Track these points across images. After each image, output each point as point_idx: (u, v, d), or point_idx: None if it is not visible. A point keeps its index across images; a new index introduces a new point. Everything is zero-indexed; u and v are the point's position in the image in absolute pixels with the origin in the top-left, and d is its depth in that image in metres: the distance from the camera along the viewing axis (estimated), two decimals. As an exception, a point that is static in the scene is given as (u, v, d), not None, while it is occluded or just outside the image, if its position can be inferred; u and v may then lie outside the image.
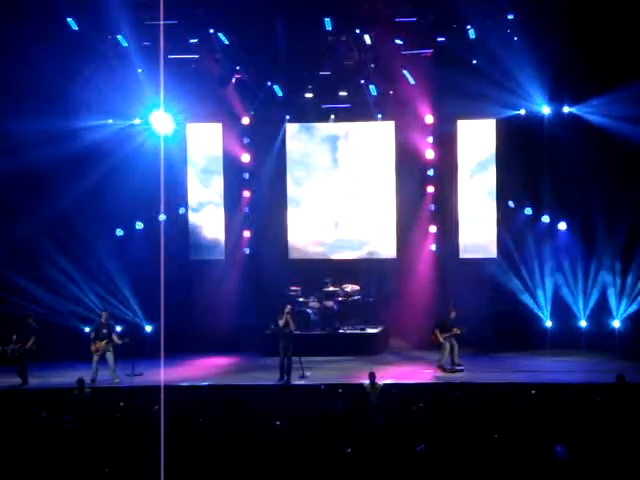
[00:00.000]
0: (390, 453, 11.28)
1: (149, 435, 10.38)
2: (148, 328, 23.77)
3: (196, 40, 23.34)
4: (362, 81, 24.35)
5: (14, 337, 20.68)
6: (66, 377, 20.10)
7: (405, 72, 23.65)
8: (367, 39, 22.99)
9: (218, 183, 25.62)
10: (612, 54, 21.75)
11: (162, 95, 21.77)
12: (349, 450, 11.45)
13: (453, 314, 21.47)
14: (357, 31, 22.99)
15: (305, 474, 10.89)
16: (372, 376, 17.67)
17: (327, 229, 25.59)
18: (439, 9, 22.41)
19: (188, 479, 10.57)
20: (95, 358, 20.73)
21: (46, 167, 22.99)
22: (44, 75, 21.79)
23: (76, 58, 22.71)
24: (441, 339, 21.30)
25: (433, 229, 24.97)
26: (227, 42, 23.32)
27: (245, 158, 25.58)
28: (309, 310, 24.29)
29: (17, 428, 13.26)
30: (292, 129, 25.69)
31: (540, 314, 23.73)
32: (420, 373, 21.18)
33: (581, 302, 23.49)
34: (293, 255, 25.64)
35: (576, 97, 23.22)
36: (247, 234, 25.67)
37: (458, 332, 21.31)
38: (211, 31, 23.20)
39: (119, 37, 23.02)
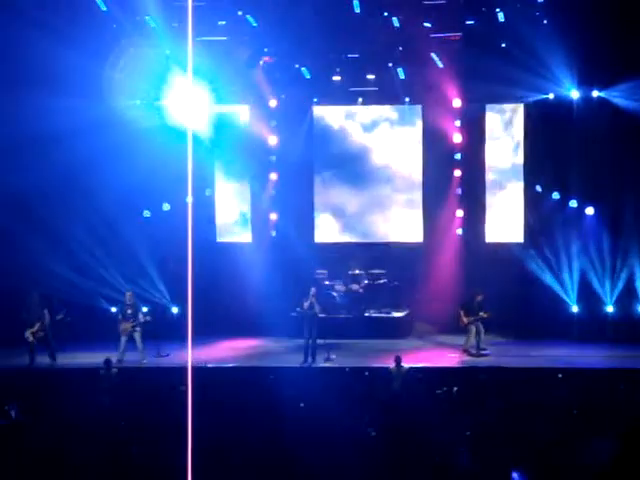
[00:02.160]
0: (414, 434, 11.31)
1: (175, 415, 10.45)
2: (175, 310, 23.86)
3: (224, 22, 23.31)
4: (390, 64, 24.24)
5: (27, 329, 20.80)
6: (93, 358, 20.27)
7: (433, 55, 23.54)
8: (395, 22, 22.89)
9: (245, 165, 25.63)
10: (642, 38, 21.59)
11: (190, 77, 21.76)
12: (373, 432, 11.50)
13: (479, 297, 21.45)
14: (385, 14, 22.88)
15: (329, 456, 10.94)
16: (398, 359, 17.70)
17: (353, 212, 25.56)
18: (468, -8, 22.30)
19: (213, 459, 10.63)
20: (122, 339, 20.86)
21: (73, 148, 23.10)
22: (72, 56, 21.82)
23: (105, 39, 22.77)
24: (466, 321, 21.29)
25: (460, 213, 24.89)
26: (255, 24, 23.29)
27: (272, 140, 25.58)
28: (335, 293, 24.33)
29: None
30: (319, 111, 25.66)
31: (566, 299, 23.64)
32: (445, 357, 21.19)
33: (608, 288, 23.37)
34: (319, 238, 25.66)
35: (605, 81, 23.03)
36: (274, 217, 25.68)
37: (485, 316, 21.28)
38: (239, 13, 23.18)
39: (148, 18, 23.04)
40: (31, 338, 20.79)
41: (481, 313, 21.25)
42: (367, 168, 25.46)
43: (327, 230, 25.62)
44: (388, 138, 25.35)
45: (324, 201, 25.64)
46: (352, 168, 25.51)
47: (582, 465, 10.39)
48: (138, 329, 20.92)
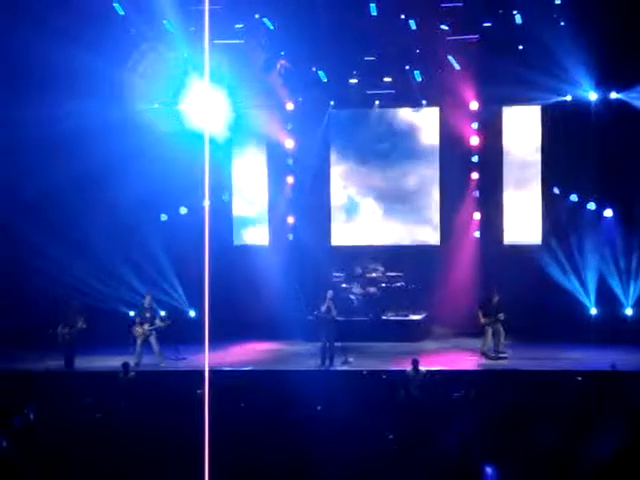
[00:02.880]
0: (431, 438, 11.28)
1: (192, 418, 10.46)
2: (192, 313, 23.89)
3: (241, 25, 23.35)
4: (407, 67, 24.20)
5: (60, 325, 20.90)
6: (111, 361, 20.32)
7: (450, 58, 23.50)
8: (412, 24, 22.87)
9: (262, 169, 25.66)
10: (661, 39, 21.52)
11: (207, 80, 21.80)
12: (391, 436, 11.47)
13: (496, 298, 21.38)
14: (402, 16, 22.87)
15: (346, 459, 10.92)
16: (415, 362, 17.66)
17: (370, 215, 25.54)
18: (485, -6, 22.26)
19: (230, 463, 10.63)
20: (139, 342, 20.90)
21: (93, 152, 23.21)
22: (89, 59, 21.91)
23: (122, 44, 22.85)
24: (484, 322, 21.21)
25: (477, 216, 24.83)
26: (272, 27, 23.31)
27: (289, 144, 25.59)
28: (352, 296, 24.32)
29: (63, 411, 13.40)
30: (337, 115, 25.66)
31: (585, 301, 23.55)
32: (463, 360, 21.12)
33: (627, 290, 23.27)
34: (336, 241, 25.65)
35: (623, 83, 22.96)
36: (291, 220, 25.69)
37: (502, 318, 21.19)
38: (256, 16, 23.21)
39: (165, 22, 23.11)
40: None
41: (499, 315, 21.16)
42: (384, 171, 25.42)
43: (344, 233, 25.56)
44: (405, 141, 25.32)
45: (340, 203, 25.61)
46: (369, 171, 25.50)
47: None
48: (154, 333, 20.93)
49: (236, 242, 25.67)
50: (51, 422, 12.54)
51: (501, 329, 21.24)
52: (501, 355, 21.15)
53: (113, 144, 23.18)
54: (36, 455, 11.32)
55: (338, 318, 21.01)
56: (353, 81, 24.81)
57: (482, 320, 21.29)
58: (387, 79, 24.72)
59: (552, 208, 24.14)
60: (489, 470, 9.84)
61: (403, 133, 25.38)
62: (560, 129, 23.74)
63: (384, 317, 24.17)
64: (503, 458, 10.68)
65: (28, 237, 23.15)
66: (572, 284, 23.58)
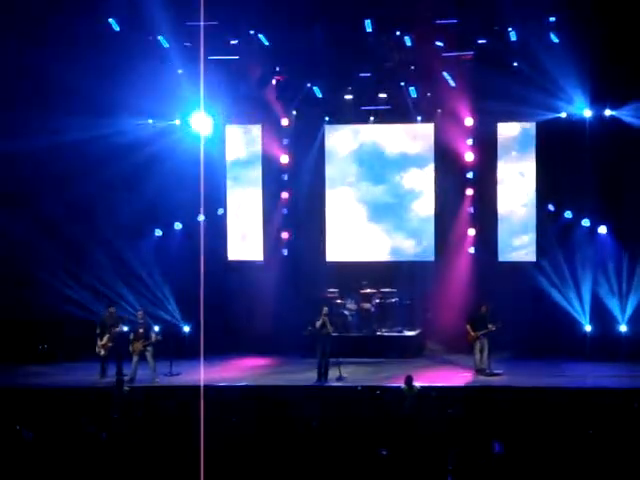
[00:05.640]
0: (424, 455, 11.25)
1: (186, 434, 10.43)
2: (186, 328, 23.85)
3: (236, 41, 23.40)
4: (402, 83, 24.25)
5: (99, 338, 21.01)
6: (105, 376, 20.24)
7: (445, 74, 23.57)
8: (407, 41, 22.95)
9: (257, 184, 25.65)
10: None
11: (202, 96, 21.83)
12: (385, 452, 11.44)
13: (484, 309, 21.35)
14: (397, 33, 22.95)
15: (340, 475, 10.89)
16: (409, 379, 17.62)
17: (365, 232, 25.52)
18: (480, 11, 22.26)
19: (224, 478, 10.60)
20: (134, 358, 20.84)
21: (86, 167, 23.25)
22: (85, 75, 21.92)
23: (117, 59, 22.87)
24: (475, 336, 21.18)
25: (472, 232, 24.83)
26: (267, 43, 23.36)
27: (284, 159, 25.60)
28: (346, 312, 24.29)
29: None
30: (331, 130, 25.68)
31: (579, 318, 23.54)
32: (457, 376, 21.09)
33: (622, 307, 23.27)
34: (331, 257, 25.62)
35: (618, 100, 23.02)
36: (285, 235, 25.67)
37: (493, 328, 21.16)
38: (251, 32, 23.26)
39: (160, 38, 23.14)
40: (102, 352, 20.89)
41: (490, 326, 21.14)
42: (378, 187, 25.43)
43: (338, 249, 25.51)
44: (400, 157, 25.33)
45: (335, 219, 25.56)
46: (364, 186, 25.48)
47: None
48: (150, 348, 20.88)
49: (231, 257, 25.62)
50: (45, 438, 12.48)
51: (486, 345, 21.19)
52: (495, 372, 21.12)
53: (108, 160, 23.21)
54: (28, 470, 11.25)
55: (333, 334, 20.98)
56: (348, 97, 24.85)
57: (471, 334, 21.25)
58: (382, 95, 24.77)
59: (547, 224, 24.15)
60: (497, 445, 9.82)
61: (398, 147, 25.37)
62: (555, 146, 23.78)
63: (378, 333, 24.15)
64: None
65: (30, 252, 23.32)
66: (567, 301, 23.58)
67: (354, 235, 25.51)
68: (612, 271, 23.32)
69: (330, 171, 25.56)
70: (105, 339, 21.12)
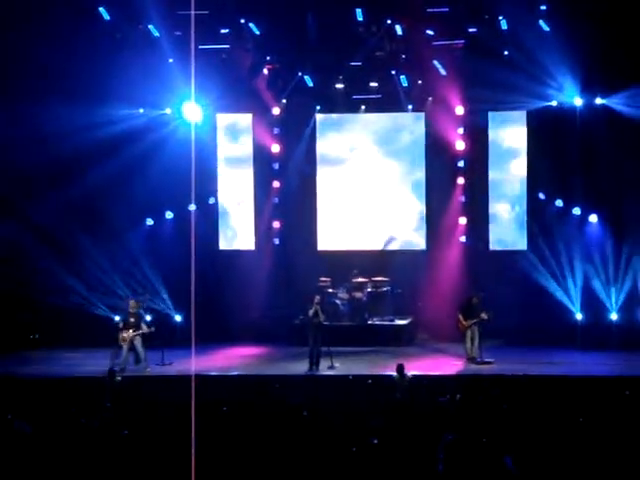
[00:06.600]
0: (416, 443, 11.26)
1: (178, 424, 10.44)
2: (178, 318, 23.85)
3: (227, 30, 23.36)
4: (393, 72, 24.26)
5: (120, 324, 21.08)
6: (97, 366, 20.25)
7: (436, 63, 23.56)
8: (398, 30, 22.94)
9: (248, 173, 25.63)
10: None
11: (193, 85, 21.79)
12: (375, 440, 11.46)
13: (475, 299, 21.38)
14: (388, 21, 22.94)
15: (331, 464, 10.90)
16: (400, 368, 17.65)
17: (356, 220, 25.51)
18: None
19: (216, 467, 10.61)
20: (124, 347, 20.79)
21: (77, 156, 23.21)
22: (75, 64, 21.86)
23: (107, 48, 22.80)
24: (466, 325, 21.22)
25: (463, 221, 24.85)
26: (258, 32, 23.32)
27: (275, 148, 25.58)
28: (338, 301, 24.29)
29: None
30: (323, 119, 25.66)
31: (570, 307, 23.59)
32: (448, 365, 21.13)
33: (612, 295, 23.33)
34: (322, 246, 25.62)
35: (608, 88, 23.05)
36: (277, 225, 25.67)
37: (485, 317, 21.19)
38: (242, 21, 23.22)
39: (150, 27, 23.09)
40: (125, 342, 20.77)
41: (482, 314, 21.17)
42: (369, 176, 25.43)
43: (330, 238, 25.49)
44: (391, 146, 25.32)
45: (327, 208, 25.54)
46: (355, 176, 25.47)
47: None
48: (139, 338, 20.80)
49: (222, 246, 25.60)
50: (38, 428, 12.48)
51: (477, 334, 21.23)
52: (486, 360, 21.16)
53: (99, 149, 23.18)
54: (23, 460, 11.27)
55: (325, 323, 21.00)
56: (339, 86, 24.82)
57: (463, 323, 21.29)
58: (373, 84, 24.75)
59: (538, 213, 24.18)
60: (509, 460, 9.83)
61: (389, 138, 25.36)
62: (545, 134, 23.81)
63: (370, 322, 24.17)
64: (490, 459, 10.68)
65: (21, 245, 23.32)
66: (558, 289, 23.63)
67: (346, 224, 25.51)
68: (602, 259, 23.37)
69: (321, 160, 25.56)
70: (130, 331, 20.89)
